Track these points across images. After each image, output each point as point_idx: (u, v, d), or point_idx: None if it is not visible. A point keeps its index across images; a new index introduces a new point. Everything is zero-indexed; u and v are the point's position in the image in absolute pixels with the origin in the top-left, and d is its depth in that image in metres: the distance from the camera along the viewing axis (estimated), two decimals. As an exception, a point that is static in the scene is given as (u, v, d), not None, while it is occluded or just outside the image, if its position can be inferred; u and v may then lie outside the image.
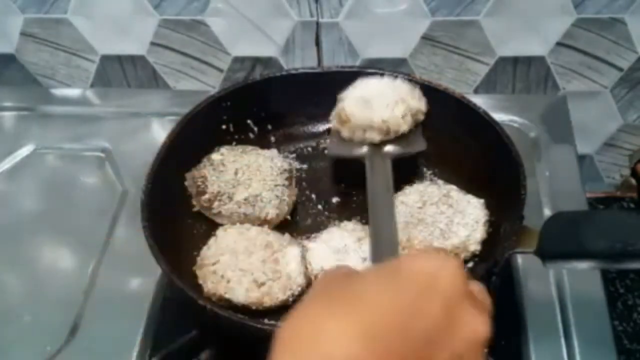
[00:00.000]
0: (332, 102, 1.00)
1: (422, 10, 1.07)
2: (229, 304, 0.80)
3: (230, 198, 0.89)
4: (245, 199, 0.89)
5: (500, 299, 0.85)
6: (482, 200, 0.88)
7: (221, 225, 0.89)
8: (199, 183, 0.90)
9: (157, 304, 0.88)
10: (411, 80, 0.92)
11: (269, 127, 1.03)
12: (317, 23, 1.10)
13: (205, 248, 0.84)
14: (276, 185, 0.91)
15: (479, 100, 0.94)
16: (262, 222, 0.89)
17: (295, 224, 0.93)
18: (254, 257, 0.82)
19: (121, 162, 1.08)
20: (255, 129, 1.02)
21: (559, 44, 1.09)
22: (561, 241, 0.72)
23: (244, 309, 0.79)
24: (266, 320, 0.78)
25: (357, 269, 0.52)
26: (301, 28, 1.11)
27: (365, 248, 0.82)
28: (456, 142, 0.95)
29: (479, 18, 1.07)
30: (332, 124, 0.90)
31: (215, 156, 0.94)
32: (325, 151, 0.95)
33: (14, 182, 1.08)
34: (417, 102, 0.87)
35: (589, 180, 1.24)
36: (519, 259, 0.89)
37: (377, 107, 0.85)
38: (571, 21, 1.06)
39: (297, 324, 0.45)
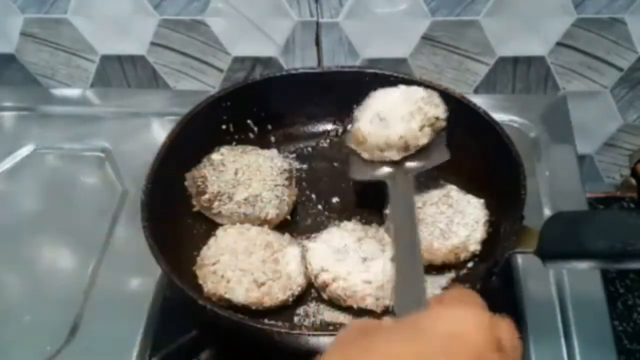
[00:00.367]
0: (332, 102, 1.00)
1: (422, 10, 1.07)
2: (229, 304, 0.80)
3: (230, 198, 0.89)
4: (245, 199, 0.89)
5: (500, 299, 0.86)
6: (482, 200, 0.88)
7: (221, 225, 0.89)
8: (199, 183, 0.90)
9: (157, 304, 0.88)
10: (428, 86, 0.90)
11: (269, 127, 1.03)
12: (317, 23, 1.10)
13: (205, 248, 0.84)
14: (276, 185, 0.91)
15: (479, 100, 0.94)
16: (262, 222, 0.89)
17: (295, 224, 0.93)
18: (254, 257, 0.82)
19: (121, 162, 1.08)
20: (255, 129, 1.02)
21: (559, 44, 1.09)
22: (561, 241, 0.72)
23: (244, 309, 0.79)
24: (266, 320, 0.79)
25: (377, 323, 0.50)
26: (301, 28, 1.11)
27: (366, 248, 0.82)
28: (456, 141, 0.95)
29: (479, 18, 1.07)
30: (349, 144, 0.88)
31: (215, 156, 0.94)
32: (349, 175, 0.90)
33: (14, 182, 1.08)
34: (435, 110, 0.85)
35: (589, 180, 1.24)
36: (519, 259, 0.89)
37: (392, 122, 0.84)
38: (571, 21, 1.06)
39: None
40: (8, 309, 0.91)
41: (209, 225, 0.91)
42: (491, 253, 0.79)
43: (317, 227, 0.91)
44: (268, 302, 0.80)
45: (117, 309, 0.89)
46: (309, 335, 0.74)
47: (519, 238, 0.75)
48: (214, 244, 0.84)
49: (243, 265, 0.81)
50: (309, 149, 1.03)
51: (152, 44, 1.17)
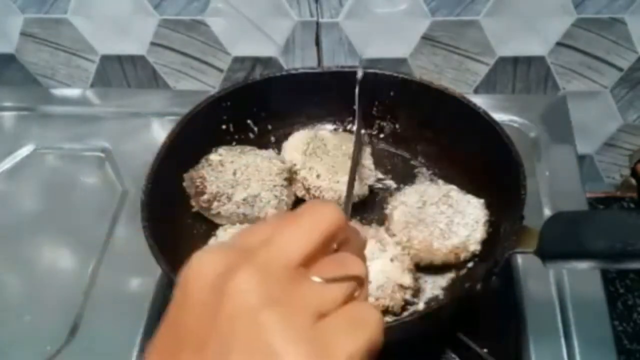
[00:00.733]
0: (332, 102, 1.00)
1: (422, 10, 1.07)
2: None
3: (229, 198, 0.89)
4: (244, 200, 0.89)
5: (500, 299, 0.86)
6: (482, 200, 0.88)
7: (220, 225, 0.89)
8: (198, 183, 0.90)
9: (157, 304, 0.88)
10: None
11: (269, 127, 1.03)
12: (317, 23, 1.10)
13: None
14: (275, 186, 0.91)
15: (479, 100, 0.94)
16: None
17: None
18: None
19: (121, 162, 1.08)
20: (255, 129, 1.02)
21: (559, 44, 1.09)
22: (561, 241, 0.72)
23: None
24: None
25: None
26: (301, 28, 1.11)
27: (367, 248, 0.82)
28: (456, 142, 0.95)
29: (479, 18, 1.07)
30: None
31: (213, 157, 0.94)
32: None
33: (14, 182, 1.08)
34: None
35: (589, 180, 1.24)
36: (519, 259, 0.89)
37: None
38: (571, 21, 1.06)
39: None
40: (8, 309, 0.91)
41: (209, 225, 0.91)
42: (491, 253, 0.79)
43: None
44: None
45: (117, 309, 0.89)
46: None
47: (519, 238, 0.75)
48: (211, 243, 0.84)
49: None
50: (309, 149, 1.03)
51: (152, 44, 1.17)
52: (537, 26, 1.07)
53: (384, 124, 1.02)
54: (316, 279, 0.40)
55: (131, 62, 1.20)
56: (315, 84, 1.00)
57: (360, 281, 0.41)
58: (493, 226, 0.86)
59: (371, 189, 0.95)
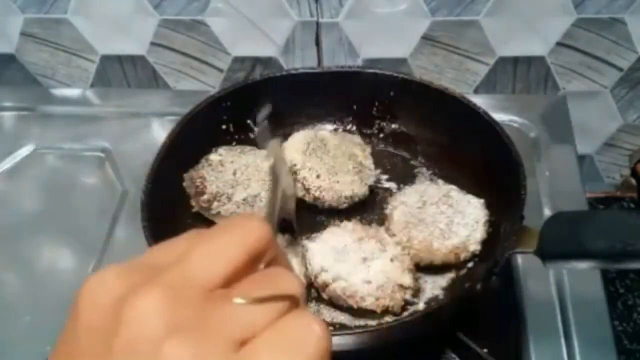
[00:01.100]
0: (332, 102, 1.00)
1: (422, 10, 1.07)
2: None
3: (229, 198, 0.89)
4: (244, 199, 0.89)
5: (500, 299, 0.86)
6: (482, 200, 0.88)
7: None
8: (198, 183, 0.90)
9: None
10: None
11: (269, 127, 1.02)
12: (317, 23, 1.10)
13: None
14: None
15: (479, 100, 0.94)
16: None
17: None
18: None
19: (121, 162, 1.08)
20: (255, 129, 1.02)
21: (559, 44, 1.09)
22: (561, 241, 0.72)
23: None
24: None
25: None
26: (301, 28, 1.11)
27: (366, 247, 0.82)
28: (456, 142, 0.95)
29: (479, 18, 1.07)
30: None
31: (213, 157, 0.94)
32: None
33: (14, 182, 1.08)
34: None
35: (589, 180, 1.24)
36: (519, 259, 0.89)
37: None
38: (571, 21, 1.06)
39: None
40: (8, 308, 0.91)
41: (209, 226, 0.90)
42: (491, 253, 0.79)
43: (317, 228, 0.90)
44: None
45: (117, 309, 0.88)
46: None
47: (519, 238, 0.75)
48: None
49: None
50: (309, 149, 1.03)
51: (152, 44, 1.17)
52: (537, 26, 1.07)
53: (384, 124, 1.02)
54: (239, 300, 0.34)
55: (131, 62, 1.20)
56: (315, 84, 1.01)
57: (295, 300, 0.35)
58: (493, 226, 0.86)
59: (371, 189, 0.95)
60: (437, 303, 0.81)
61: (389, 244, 0.83)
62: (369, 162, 0.96)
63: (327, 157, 0.94)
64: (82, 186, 1.07)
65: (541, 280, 0.87)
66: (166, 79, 1.22)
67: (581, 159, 1.17)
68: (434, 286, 0.84)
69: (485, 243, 0.85)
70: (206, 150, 0.95)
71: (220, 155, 0.94)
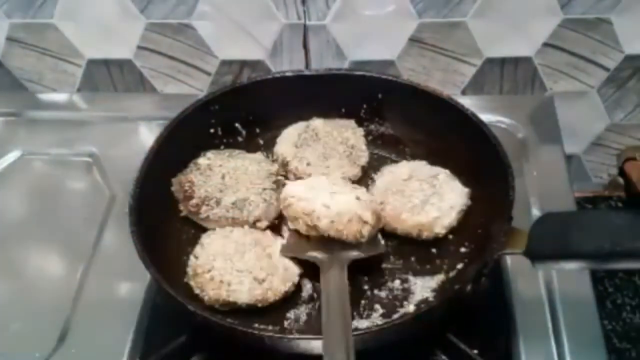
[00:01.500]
0: (320, 104, 1.00)
1: (409, 11, 1.07)
2: (233, 307, 0.80)
3: (218, 202, 0.89)
4: (233, 203, 0.89)
5: (490, 299, 0.87)
6: (466, 190, 0.89)
7: (208, 229, 0.89)
8: (186, 188, 0.90)
9: (146, 310, 0.88)
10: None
11: (257, 130, 1.02)
12: (305, 26, 1.10)
13: (192, 258, 0.84)
14: (264, 189, 0.91)
15: (467, 102, 0.94)
16: (250, 226, 0.89)
17: (282, 228, 0.93)
18: (247, 256, 0.82)
19: (109, 166, 1.07)
20: (244, 132, 1.02)
21: (545, 44, 1.10)
22: (550, 242, 0.72)
23: (248, 308, 0.80)
24: (256, 325, 0.78)
25: None
26: (289, 31, 1.11)
27: (337, 188, 0.85)
28: (444, 143, 0.95)
29: (466, 19, 1.07)
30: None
31: (202, 160, 0.93)
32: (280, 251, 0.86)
33: (1, 188, 1.07)
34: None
35: (577, 179, 1.24)
36: (508, 260, 0.89)
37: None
38: (557, 22, 1.06)
39: None
40: (-4, 315, 0.90)
41: (197, 230, 0.90)
42: (480, 255, 0.79)
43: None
44: (272, 296, 0.81)
45: (106, 315, 0.88)
46: (299, 339, 0.74)
47: (508, 239, 0.75)
48: (202, 252, 0.84)
49: (239, 266, 0.81)
50: (298, 151, 1.03)
51: (139, 47, 1.16)
52: (523, 27, 1.08)
53: (372, 126, 1.02)
54: None
55: (118, 66, 1.20)
56: (303, 86, 1.00)
57: None
58: (468, 216, 0.88)
59: (365, 169, 0.97)
60: (427, 305, 0.81)
61: (361, 191, 0.87)
62: (360, 143, 0.98)
63: (318, 145, 0.96)
64: (70, 191, 1.07)
65: (530, 280, 0.88)
66: (153, 83, 1.22)
67: (569, 158, 1.17)
68: (424, 288, 0.84)
69: (453, 230, 0.87)
70: (194, 154, 0.95)
71: (208, 159, 0.94)
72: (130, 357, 0.83)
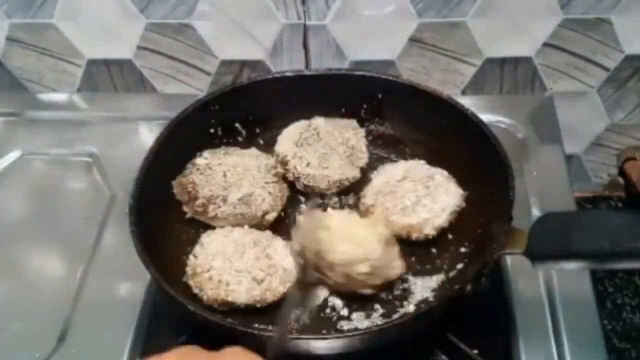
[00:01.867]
0: (320, 104, 1.00)
1: (409, 11, 1.07)
2: (231, 307, 0.80)
3: (225, 200, 0.89)
4: (240, 199, 0.89)
5: (490, 300, 0.87)
6: (461, 192, 0.89)
7: (208, 229, 0.89)
8: (189, 189, 0.90)
9: (146, 310, 0.88)
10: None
11: (257, 130, 1.02)
12: (305, 25, 1.10)
13: (191, 257, 0.84)
14: (267, 183, 0.91)
15: (467, 102, 0.94)
16: (259, 220, 0.90)
17: (284, 223, 0.94)
18: (246, 256, 0.82)
19: (109, 166, 1.08)
20: (244, 132, 1.02)
21: (545, 44, 1.10)
22: (550, 242, 0.72)
23: (247, 308, 0.80)
24: (256, 325, 0.78)
25: None
26: (289, 31, 1.11)
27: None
28: (444, 143, 0.95)
29: (466, 19, 1.07)
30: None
31: (199, 160, 0.93)
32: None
33: (1, 188, 1.07)
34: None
35: (577, 179, 1.24)
36: (508, 260, 0.89)
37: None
38: (557, 22, 1.06)
39: None
40: (-4, 315, 0.91)
41: (197, 230, 0.90)
42: (480, 255, 0.79)
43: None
44: (270, 297, 0.81)
45: (106, 315, 0.88)
46: (299, 339, 0.74)
47: (508, 239, 0.75)
48: (201, 252, 0.84)
49: (238, 266, 0.81)
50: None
51: (139, 47, 1.16)
52: (523, 27, 1.08)
53: (372, 126, 1.02)
54: None
55: (118, 66, 1.20)
56: (303, 87, 1.00)
57: None
58: (468, 216, 0.88)
59: (364, 171, 0.97)
60: (427, 305, 0.81)
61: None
62: (361, 144, 0.98)
63: (318, 145, 0.96)
64: (70, 191, 1.07)
65: (530, 280, 0.88)
66: (153, 83, 1.22)
67: (569, 158, 1.17)
68: (424, 288, 0.84)
69: (444, 231, 0.88)
70: (194, 154, 0.95)
71: (206, 159, 0.94)
72: (130, 357, 0.83)
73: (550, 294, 0.87)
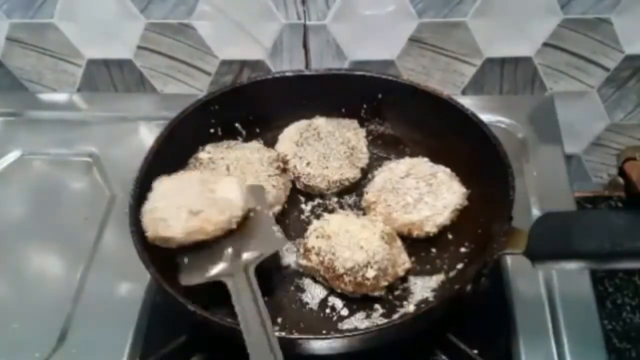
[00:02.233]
0: (320, 104, 1.00)
1: (409, 11, 1.07)
2: (171, 243, 0.79)
3: None
4: None
5: (490, 299, 0.87)
6: (464, 190, 0.89)
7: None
8: None
9: (146, 310, 0.88)
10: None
11: (257, 130, 1.02)
12: (305, 25, 1.10)
13: (145, 204, 0.83)
14: (270, 176, 0.92)
15: (467, 102, 0.94)
16: None
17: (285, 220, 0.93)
18: (188, 192, 0.81)
19: (109, 166, 1.08)
20: (244, 132, 1.02)
21: (545, 44, 1.10)
22: (550, 242, 0.72)
23: (190, 246, 0.79)
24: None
25: None
26: (289, 31, 1.11)
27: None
28: (444, 143, 0.95)
29: (466, 19, 1.07)
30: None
31: (202, 155, 0.94)
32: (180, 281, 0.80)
33: (1, 188, 1.07)
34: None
35: (577, 179, 1.24)
36: (508, 260, 0.89)
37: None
38: (557, 22, 1.06)
39: None
40: (-4, 315, 0.90)
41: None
42: (481, 255, 0.79)
43: (303, 227, 0.91)
44: (209, 227, 0.79)
45: (106, 315, 0.88)
46: (299, 339, 0.74)
47: (508, 239, 0.75)
48: (150, 196, 0.82)
49: (179, 202, 0.80)
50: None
51: (139, 47, 1.16)
52: (523, 27, 1.08)
53: (372, 126, 1.02)
54: None
55: (118, 66, 1.20)
56: (303, 86, 1.01)
57: None
58: (468, 216, 0.88)
59: (365, 171, 0.97)
60: (427, 305, 0.81)
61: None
62: (361, 144, 0.98)
63: (319, 145, 0.96)
64: (70, 191, 1.07)
65: (530, 280, 0.88)
66: (153, 83, 1.22)
67: (569, 158, 1.17)
68: (424, 288, 0.84)
69: (446, 229, 0.88)
70: (194, 154, 0.95)
71: (208, 153, 0.94)
72: (130, 357, 0.83)
73: (550, 294, 0.87)
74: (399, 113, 1.00)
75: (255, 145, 0.97)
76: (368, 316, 0.81)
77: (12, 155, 1.11)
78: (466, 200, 0.89)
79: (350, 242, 0.82)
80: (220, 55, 1.16)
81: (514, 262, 0.89)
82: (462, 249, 0.87)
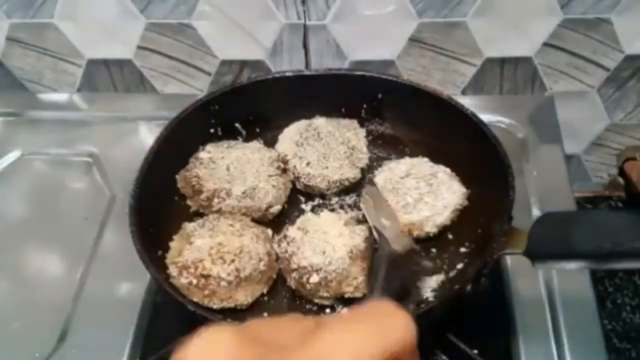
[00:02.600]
0: (320, 104, 1.00)
1: (409, 11, 1.07)
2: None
3: (229, 194, 0.89)
4: (244, 193, 0.89)
5: (490, 300, 0.87)
6: (464, 190, 0.89)
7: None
8: (194, 183, 0.90)
9: (146, 310, 0.88)
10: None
11: (257, 130, 1.02)
12: (305, 25, 1.10)
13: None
14: (270, 176, 0.92)
15: (467, 102, 0.94)
16: (263, 213, 0.90)
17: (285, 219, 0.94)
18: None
19: (109, 166, 1.08)
20: (244, 132, 1.02)
21: (545, 44, 1.10)
22: (550, 242, 0.72)
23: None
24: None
25: None
26: (289, 31, 1.11)
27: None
28: (444, 143, 0.95)
29: (466, 19, 1.07)
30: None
31: (202, 154, 0.94)
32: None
33: (1, 188, 1.07)
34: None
35: (577, 179, 1.24)
36: (508, 260, 0.89)
37: None
38: (557, 21, 1.06)
39: None
40: (-4, 315, 0.91)
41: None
42: (480, 254, 0.79)
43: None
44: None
45: (106, 315, 0.88)
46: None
47: (508, 239, 0.75)
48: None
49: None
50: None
51: (139, 47, 1.16)
52: (523, 27, 1.08)
53: (372, 126, 1.02)
54: None
55: (118, 66, 1.20)
56: (303, 86, 1.00)
57: None
58: (468, 216, 0.88)
59: (364, 171, 0.97)
60: (426, 305, 0.81)
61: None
62: (361, 144, 0.98)
63: (319, 145, 0.96)
64: (70, 191, 1.07)
65: (530, 280, 0.88)
66: (153, 83, 1.22)
67: (569, 158, 1.17)
68: (424, 288, 0.84)
69: (446, 229, 0.88)
70: (194, 153, 0.95)
71: (209, 153, 0.94)
72: (130, 357, 0.83)
73: (550, 294, 0.87)
74: (399, 113, 1.00)
75: (256, 145, 0.97)
76: (368, 316, 0.81)
77: (12, 155, 1.11)
78: (466, 200, 0.89)
79: (318, 243, 0.82)
80: (220, 55, 1.16)
81: (514, 262, 0.89)
82: (462, 249, 0.87)
